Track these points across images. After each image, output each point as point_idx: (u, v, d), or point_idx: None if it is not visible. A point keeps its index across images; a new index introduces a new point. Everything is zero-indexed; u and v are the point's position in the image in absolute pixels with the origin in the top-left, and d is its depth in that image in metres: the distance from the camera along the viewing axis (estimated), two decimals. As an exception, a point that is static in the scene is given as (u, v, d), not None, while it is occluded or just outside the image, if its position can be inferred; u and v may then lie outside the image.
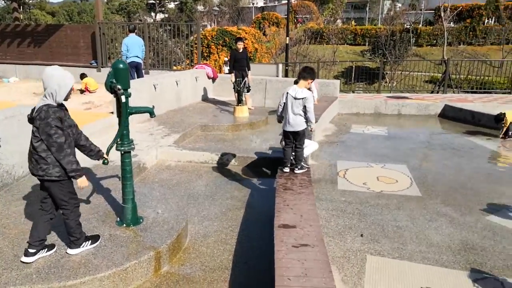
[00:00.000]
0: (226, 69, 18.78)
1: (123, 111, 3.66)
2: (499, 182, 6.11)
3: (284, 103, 5.00)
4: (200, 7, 62.95)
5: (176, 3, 59.89)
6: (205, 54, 22.56)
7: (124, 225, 3.92)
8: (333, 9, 53.38)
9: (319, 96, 10.77)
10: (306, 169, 5.22)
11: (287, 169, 5.18)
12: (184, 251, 3.97)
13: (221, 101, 11.01)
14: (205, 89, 11.39)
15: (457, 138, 8.69)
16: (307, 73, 5.03)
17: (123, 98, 3.60)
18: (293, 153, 5.22)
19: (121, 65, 3.61)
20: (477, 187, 5.82)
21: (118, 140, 3.73)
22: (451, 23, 33.33)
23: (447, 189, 5.73)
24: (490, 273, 3.74)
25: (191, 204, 5.10)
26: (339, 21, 47.88)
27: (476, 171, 6.54)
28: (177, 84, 9.84)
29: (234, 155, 6.57)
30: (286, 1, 19.15)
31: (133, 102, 3.78)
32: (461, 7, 33.93)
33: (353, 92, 18.03)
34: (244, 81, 9.29)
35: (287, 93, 4.95)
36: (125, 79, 3.62)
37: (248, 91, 9.70)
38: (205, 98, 11.29)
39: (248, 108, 9.56)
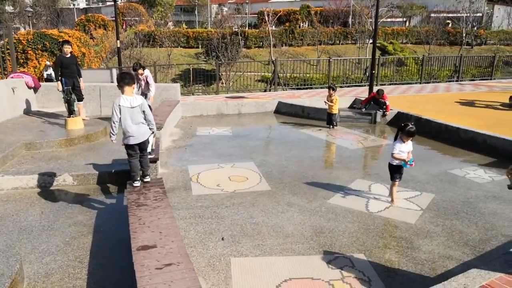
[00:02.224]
0: (45, 74, 16.57)
1: None
2: (333, 168, 6.86)
3: (119, 117, 4.55)
4: (9, 7, 54.90)
5: (-25, 2, 50.98)
6: (21, 61, 19.65)
7: None
8: (162, 11, 52.98)
9: (160, 100, 10.46)
10: (156, 179, 4.92)
11: (137, 183, 4.79)
12: (21, 300, 3.27)
13: (49, 113, 9.69)
14: (26, 101, 9.87)
15: (292, 132, 9.48)
16: (130, 79, 4.64)
17: None
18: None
19: None
20: (317, 175, 6.41)
21: None
22: (273, 26, 36.57)
23: (292, 180, 6.15)
24: (339, 252, 4.11)
25: (24, 239, 4.28)
26: (170, 23, 47.72)
27: (313, 160, 7.21)
28: (-13, 97, 8.25)
29: (72, 174, 5.80)
30: (113, 3, 18.05)
31: None
32: (280, 12, 37.50)
33: (193, 94, 18.13)
34: (69, 89, 8.34)
35: (119, 105, 4.50)
36: None
37: (80, 100, 8.77)
38: (27, 111, 9.77)
39: (82, 119, 8.62)
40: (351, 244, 4.26)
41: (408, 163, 4.96)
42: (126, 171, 5.14)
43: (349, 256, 4.03)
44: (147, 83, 8.67)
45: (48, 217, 4.82)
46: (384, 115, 10.13)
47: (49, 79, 15.76)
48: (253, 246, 4.20)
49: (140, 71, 8.48)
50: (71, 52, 8.74)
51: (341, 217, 4.90)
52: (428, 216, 4.92)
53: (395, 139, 5.11)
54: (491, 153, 7.38)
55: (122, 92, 4.58)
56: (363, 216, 4.93)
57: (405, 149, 5.01)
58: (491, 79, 19.10)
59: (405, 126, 4.99)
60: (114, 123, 4.56)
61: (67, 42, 8.90)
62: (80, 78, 8.82)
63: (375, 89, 11.32)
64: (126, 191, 4.70)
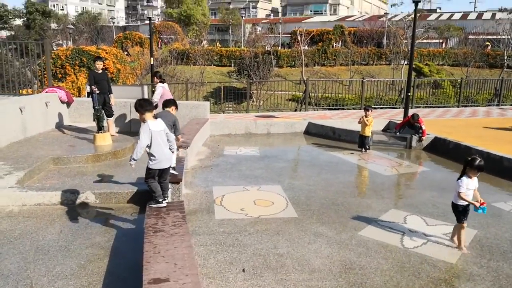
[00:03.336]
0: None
1: None
2: (365, 195, 6.47)
3: (149, 142, 4.49)
4: (53, 25, 57.66)
5: (22, 19, 53.77)
6: (60, 76, 20.33)
7: None
8: (197, 30, 54.15)
9: (189, 118, 10.40)
10: (177, 202, 4.75)
11: (165, 203, 4.68)
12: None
13: (79, 128, 9.79)
14: (59, 115, 10.01)
15: (322, 154, 9.14)
16: (150, 105, 4.63)
17: None
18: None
19: None
20: (347, 202, 6.04)
21: None
22: (306, 46, 36.51)
23: (320, 207, 5.81)
24: (371, 293, 3.73)
25: (39, 260, 4.14)
26: (204, 42, 48.62)
27: (343, 186, 6.84)
28: (21, 111, 8.39)
29: (95, 192, 5.69)
30: (149, 21, 18.47)
31: None
32: (315, 32, 37.46)
33: (223, 112, 18.11)
34: (101, 106, 8.41)
35: (150, 129, 4.44)
36: None
37: (110, 116, 8.79)
38: (59, 126, 9.90)
39: (111, 135, 8.62)
40: (383, 284, 3.87)
41: (480, 209, 4.41)
42: (149, 191, 4.97)
43: (381, 298, 3.65)
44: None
45: (67, 236, 4.69)
46: (420, 140, 9.62)
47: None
48: (276, 281, 3.89)
49: (155, 79, 9.45)
50: (103, 68, 8.83)
51: (373, 252, 4.51)
52: (470, 256, 4.46)
53: (461, 176, 4.59)
54: (539, 186, 6.78)
55: (143, 120, 4.50)
56: (398, 252, 4.52)
57: (471, 186, 4.52)
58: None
59: (473, 160, 4.49)
60: (141, 148, 4.45)
61: (100, 58, 9.01)
62: (111, 94, 8.87)
63: (410, 112, 10.86)
64: (146, 214, 4.51)
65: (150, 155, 4.54)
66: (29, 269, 3.81)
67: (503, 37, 36.32)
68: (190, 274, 3.00)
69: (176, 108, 6.01)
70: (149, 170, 4.59)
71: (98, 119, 8.27)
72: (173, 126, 5.78)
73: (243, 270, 4.06)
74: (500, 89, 17.97)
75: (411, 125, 9.77)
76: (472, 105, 18.14)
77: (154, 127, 4.48)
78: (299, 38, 19.67)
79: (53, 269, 3.96)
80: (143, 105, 4.52)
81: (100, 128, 8.31)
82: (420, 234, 4.94)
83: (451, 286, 3.86)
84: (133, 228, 4.97)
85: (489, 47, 41.47)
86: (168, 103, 5.94)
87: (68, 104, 10.42)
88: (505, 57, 31.71)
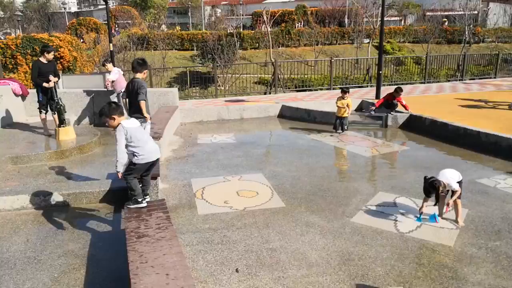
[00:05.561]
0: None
1: None
2: (350, 178, 6.27)
3: (130, 142, 4.11)
4: (-2, 12, 54.05)
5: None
6: (11, 67, 18.89)
7: None
8: (155, 14, 52.32)
9: (158, 106, 9.88)
10: (158, 201, 4.36)
11: (145, 203, 4.27)
12: None
13: (38, 122, 9.03)
14: (13, 110, 9.20)
15: (300, 138, 8.88)
16: (120, 107, 4.23)
17: None
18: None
19: None
20: (333, 187, 5.82)
21: None
22: (269, 27, 36.00)
23: (307, 194, 5.56)
24: (375, 286, 3.52)
25: (6, 275, 3.66)
26: (164, 26, 47.04)
27: (326, 170, 6.61)
28: (-30, 107, 7.59)
29: (62, 192, 5.16)
30: (104, 6, 17.37)
31: None
32: (279, 12, 36.93)
33: (190, 98, 17.49)
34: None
35: (124, 128, 4.06)
36: None
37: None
38: (15, 121, 9.11)
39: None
40: (386, 275, 3.67)
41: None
42: (125, 188, 4.54)
43: (388, 291, 3.45)
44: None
45: (35, 246, 4.20)
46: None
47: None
48: (273, 280, 3.60)
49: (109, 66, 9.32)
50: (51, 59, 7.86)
51: (369, 239, 4.31)
52: (467, 237, 4.34)
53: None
54: (517, 159, 6.83)
55: (114, 126, 4.07)
56: (394, 238, 4.34)
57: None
58: (495, 78, 18.62)
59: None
60: (121, 151, 4.04)
61: (47, 46, 8.05)
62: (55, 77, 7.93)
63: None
64: (123, 217, 4.09)
65: (133, 154, 4.12)
66: (-6, 289, 3.33)
67: (460, 12, 37.24)
68: (185, 286, 2.64)
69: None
70: (133, 166, 4.13)
71: (58, 111, 7.63)
72: (137, 94, 5.69)
73: (237, 270, 3.75)
74: (463, 64, 18.34)
75: (388, 103, 9.66)
76: (435, 81, 18.45)
77: (129, 125, 4.08)
78: (265, 18, 19.17)
79: (22, 286, 3.51)
80: (114, 109, 4.04)
81: (61, 121, 7.66)
82: (413, 217, 4.78)
83: (454, 271, 3.71)
84: (109, 232, 4.53)
85: (446, 23, 42.55)
86: (139, 66, 5.73)
87: (23, 96, 9.61)
88: (466, 33, 32.49)
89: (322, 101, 12.11)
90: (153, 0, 54.93)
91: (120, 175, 4.11)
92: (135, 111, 5.78)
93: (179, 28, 48.91)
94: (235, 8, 53.56)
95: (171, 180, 6.18)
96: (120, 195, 4.97)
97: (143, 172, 4.31)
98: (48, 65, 7.69)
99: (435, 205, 4.54)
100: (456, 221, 4.61)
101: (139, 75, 5.76)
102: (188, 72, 23.08)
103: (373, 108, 9.89)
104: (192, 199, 5.43)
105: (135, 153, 4.09)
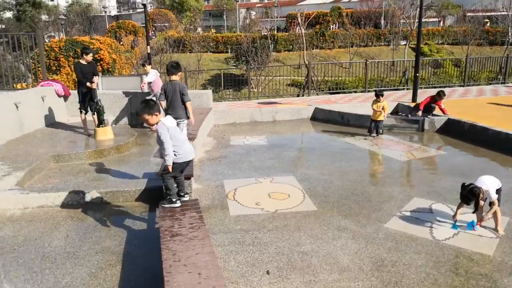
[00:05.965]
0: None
1: None
2: (384, 183, 6.15)
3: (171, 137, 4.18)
4: (44, 16, 56.59)
5: (12, 12, 52.64)
6: (54, 68, 19.79)
7: None
8: (191, 17, 53.24)
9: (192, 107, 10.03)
10: (192, 201, 4.43)
11: (179, 202, 4.34)
12: None
13: (78, 122, 9.39)
14: (56, 110, 9.62)
15: (333, 141, 8.80)
16: (155, 105, 4.27)
17: None
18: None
19: None
20: (367, 191, 5.72)
21: None
22: (304, 29, 35.89)
23: (340, 198, 5.50)
24: (409, 293, 3.44)
25: (46, 269, 3.82)
26: (199, 29, 47.80)
27: (359, 174, 6.52)
28: (17, 106, 7.99)
29: (100, 190, 5.35)
30: (143, 9, 17.89)
31: None
32: (314, 14, 36.74)
33: (223, 100, 17.71)
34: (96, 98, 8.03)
35: (166, 126, 4.13)
36: None
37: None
38: (56, 121, 9.52)
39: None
40: (421, 282, 3.58)
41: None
42: (160, 188, 4.65)
43: (422, 299, 3.36)
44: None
45: (74, 241, 4.37)
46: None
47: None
48: (304, 283, 3.59)
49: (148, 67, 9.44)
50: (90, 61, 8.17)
51: (404, 246, 4.21)
52: (507, 246, 4.17)
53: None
54: None
55: (153, 123, 4.14)
56: (429, 245, 4.22)
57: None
58: (541, 81, 17.75)
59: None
60: (169, 144, 4.09)
61: (87, 48, 8.39)
62: (95, 76, 8.17)
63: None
64: (158, 215, 4.19)
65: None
66: (36, 282, 3.49)
67: (503, 13, 35.73)
68: (217, 286, 2.68)
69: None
70: (172, 165, 4.21)
71: (98, 112, 7.91)
72: (182, 95, 5.83)
73: (268, 272, 3.76)
74: (506, 67, 17.59)
75: (425, 106, 9.39)
76: (475, 84, 17.78)
77: (169, 123, 4.17)
78: (299, 20, 19.11)
79: (62, 280, 3.65)
80: (152, 107, 4.11)
81: (100, 121, 7.94)
82: (449, 225, 4.63)
83: (493, 281, 3.57)
84: (144, 230, 4.65)
85: (488, 24, 40.94)
86: (174, 69, 5.81)
87: (65, 97, 10.02)
88: (510, 34, 31.11)
89: (356, 103, 11.95)
90: (190, 3, 55.99)
91: (170, 168, 4.18)
92: (173, 112, 5.86)
93: (214, 31, 49.59)
94: (270, 10, 53.71)
95: (204, 180, 6.27)
96: (155, 194, 5.09)
97: (177, 172, 4.40)
98: (88, 66, 8.02)
99: (473, 212, 4.38)
100: (495, 229, 4.44)
101: (174, 77, 5.89)
102: (222, 74, 23.35)
103: (419, 112, 9.49)
104: (224, 200, 5.49)
105: (174, 152, 4.18)
